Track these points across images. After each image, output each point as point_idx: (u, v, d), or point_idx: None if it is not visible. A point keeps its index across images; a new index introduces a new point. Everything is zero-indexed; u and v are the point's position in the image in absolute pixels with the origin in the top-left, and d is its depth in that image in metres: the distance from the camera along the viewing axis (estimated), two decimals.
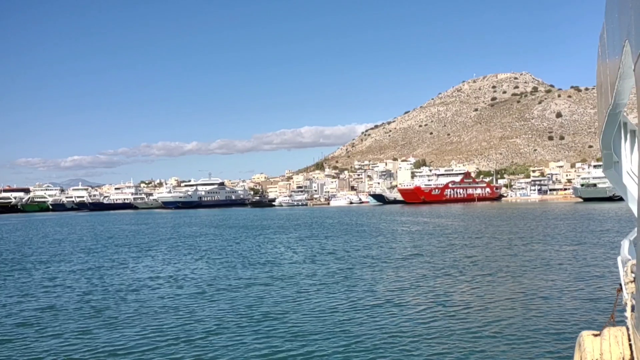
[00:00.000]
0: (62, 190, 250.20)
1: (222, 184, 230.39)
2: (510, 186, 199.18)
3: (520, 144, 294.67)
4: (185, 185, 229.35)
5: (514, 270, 23.23)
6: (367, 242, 37.04)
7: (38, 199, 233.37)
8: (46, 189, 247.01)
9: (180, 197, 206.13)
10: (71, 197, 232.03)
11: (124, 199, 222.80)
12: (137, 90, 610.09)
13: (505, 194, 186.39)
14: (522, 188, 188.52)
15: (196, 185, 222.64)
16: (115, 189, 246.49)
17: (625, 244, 5.89)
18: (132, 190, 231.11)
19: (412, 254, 28.96)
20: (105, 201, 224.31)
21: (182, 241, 43.31)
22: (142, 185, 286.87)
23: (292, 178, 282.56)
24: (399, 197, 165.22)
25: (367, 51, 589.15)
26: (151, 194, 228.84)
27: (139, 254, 34.34)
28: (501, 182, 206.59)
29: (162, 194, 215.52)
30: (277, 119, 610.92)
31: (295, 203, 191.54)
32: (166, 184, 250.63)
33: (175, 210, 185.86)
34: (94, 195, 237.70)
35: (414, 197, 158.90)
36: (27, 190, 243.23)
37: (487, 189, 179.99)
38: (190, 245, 39.42)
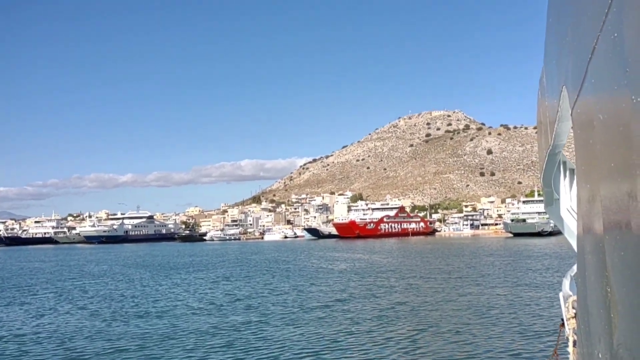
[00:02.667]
0: None
1: (150, 217, 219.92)
2: (444, 221, 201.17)
3: (454, 179, 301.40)
4: (111, 219, 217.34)
5: (452, 312, 20.16)
6: (288, 283, 33.10)
7: None
8: None
9: (105, 231, 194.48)
10: None
11: (44, 233, 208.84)
12: (70, 119, 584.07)
13: (439, 229, 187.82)
14: (455, 223, 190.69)
15: (122, 218, 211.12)
16: (35, 222, 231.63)
17: (566, 280, 6.21)
18: (54, 224, 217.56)
19: (336, 300, 25.30)
20: (23, 235, 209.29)
21: (72, 284, 37.82)
22: (70, 218, 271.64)
23: (227, 212, 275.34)
24: (334, 231, 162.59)
25: (308, 86, 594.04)
26: (74, 228, 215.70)
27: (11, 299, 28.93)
28: (435, 216, 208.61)
29: (85, 227, 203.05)
30: (217, 151, 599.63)
31: (228, 237, 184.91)
32: (90, 217, 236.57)
33: (99, 245, 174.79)
34: (12, 229, 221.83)
35: (348, 232, 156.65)
36: None
37: (422, 224, 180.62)
38: (78, 289, 34.13)
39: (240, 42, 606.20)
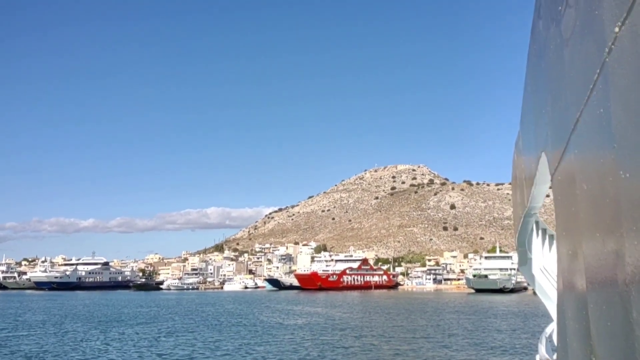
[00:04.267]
0: None
1: (106, 263, 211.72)
2: (407, 274, 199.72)
3: (417, 232, 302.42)
4: (64, 265, 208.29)
5: None
6: (236, 341, 30.53)
7: None
8: None
9: (56, 278, 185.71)
10: None
11: None
12: (31, 161, 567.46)
13: (402, 282, 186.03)
14: (419, 277, 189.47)
15: (76, 264, 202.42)
16: None
17: (541, 344, 6.06)
18: (3, 268, 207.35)
19: None
20: None
21: None
22: (24, 263, 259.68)
23: (187, 260, 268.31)
24: (296, 282, 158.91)
25: (277, 136, 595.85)
26: (25, 273, 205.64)
27: None
28: (398, 269, 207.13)
29: (36, 273, 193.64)
30: (183, 198, 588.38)
31: (186, 287, 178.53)
32: (44, 262, 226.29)
33: (50, 291, 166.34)
34: None
35: (310, 283, 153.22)
36: None
37: (385, 277, 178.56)
38: None
39: (207, 87, 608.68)
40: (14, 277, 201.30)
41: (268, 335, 33.61)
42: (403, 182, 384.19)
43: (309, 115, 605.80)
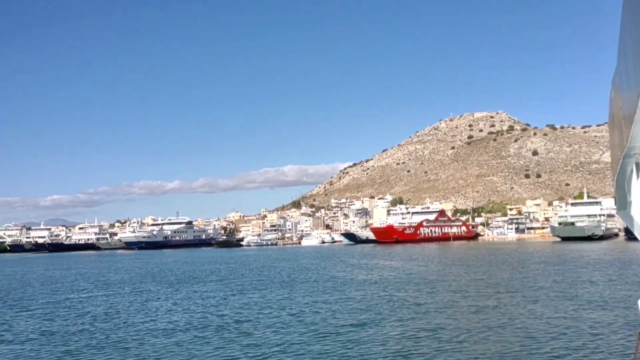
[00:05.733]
0: (27, 229, 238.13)
1: (190, 223, 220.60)
2: (487, 225, 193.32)
3: (497, 182, 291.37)
4: (152, 225, 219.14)
5: (508, 338, 16.04)
6: (309, 297, 29.33)
7: None
8: (6, 229, 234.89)
9: (144, 237, 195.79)
10: (31, 237, 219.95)
11: (87, 240, 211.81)
12: (120, 129, 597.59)
13: (482, 233, 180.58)
14: (500, 227, 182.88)
15: (162, 224, 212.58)
16: (79, 229, 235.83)
17: None
18: (96, 230, 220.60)
19: (357, 322, 21.38)
20: (67, 242, 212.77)
21: (67, 296, 35.14)
22: (117, 224, 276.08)
23: (266, 217, 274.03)
24: (372, 236, 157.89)
25: (351, 90, 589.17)
26: (116, 234, 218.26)
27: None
28: (478, 220, 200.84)
29: (126, 234, 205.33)
30: (261, 157, 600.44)
31: (265, 243, 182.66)
32: (133, 223, 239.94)
33: (138, 250, 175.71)
34: (57, 236, 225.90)
35: (386, 236, 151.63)
36: None
37: (463, 228, 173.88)
38: (69, 301, 31.33)
39: (285, 53, 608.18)
40: (106, 238, 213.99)
41: (339, 291, 32.20)
42: (480, 130, 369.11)
43: (381, 66, 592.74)
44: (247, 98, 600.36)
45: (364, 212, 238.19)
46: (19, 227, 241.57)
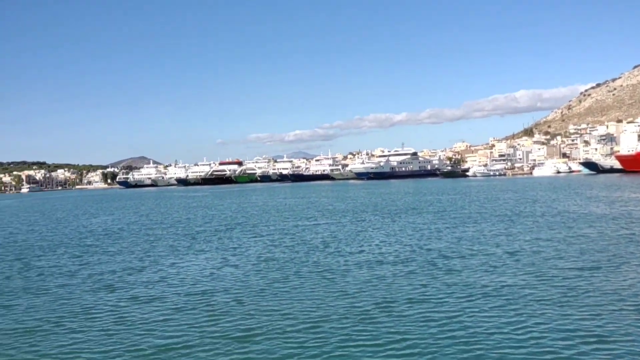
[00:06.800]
0: (273, 162, 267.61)
1: (415, 154, 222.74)
2: None
3: None
4: (379, 156, 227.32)
5: None
6: (519, 237, 26.71)
7: (249, 171, 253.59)
8: (256, 162, 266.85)
9: (372, 168, 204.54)
10: (276, 169, 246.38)
11: (323, 170, 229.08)
12: (350, 64, 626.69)
13: None
14: None
15: (388, 155, 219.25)
16: (316, 160, 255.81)
17: None
18: (330, 162, 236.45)
19: (587, 267, 18.59)
20: (306, 172, 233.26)
21: (295, 224, 37.50)
22: (349, 156, 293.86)
23: (494, 146, 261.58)
24: (617, 165, 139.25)
25: None
26: (347, 165, 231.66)
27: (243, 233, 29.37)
28: None
29: (355, 165, 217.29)
30: (490, 84, 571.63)
31: (492, 173, 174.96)
32: (362, 155, 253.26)
33: (367, 181, 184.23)
34: (297, 167, 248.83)
35: (635, 165, 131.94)
36: (240, 163, 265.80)
37: None
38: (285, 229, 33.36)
39: None
40: (339, 169, 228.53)
41: (568, 228, 28.56)
42: None
43: None
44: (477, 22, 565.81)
45: (609, 139, 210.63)
46: (267, 160, 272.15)
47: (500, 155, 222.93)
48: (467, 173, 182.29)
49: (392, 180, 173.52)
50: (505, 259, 20.07)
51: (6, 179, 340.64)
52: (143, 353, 11.23)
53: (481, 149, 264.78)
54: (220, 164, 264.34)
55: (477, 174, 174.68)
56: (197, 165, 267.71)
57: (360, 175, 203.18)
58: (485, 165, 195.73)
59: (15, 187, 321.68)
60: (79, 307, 15.35)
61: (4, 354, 11.60)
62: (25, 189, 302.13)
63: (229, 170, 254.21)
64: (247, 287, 16.81)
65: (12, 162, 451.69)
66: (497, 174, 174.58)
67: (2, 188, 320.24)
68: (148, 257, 24.55)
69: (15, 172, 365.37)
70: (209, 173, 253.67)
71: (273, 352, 10.99)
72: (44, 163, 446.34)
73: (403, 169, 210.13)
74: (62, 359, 11.23)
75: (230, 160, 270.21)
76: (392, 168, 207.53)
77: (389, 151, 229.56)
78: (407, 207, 48.99)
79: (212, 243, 28.66)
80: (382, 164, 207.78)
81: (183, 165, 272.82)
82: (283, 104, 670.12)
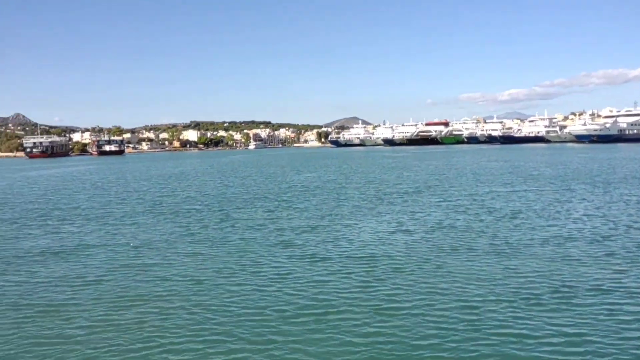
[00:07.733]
0: (483, 122, 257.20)
1: None
2: None
3: None
4: (605, 117, 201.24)
5: None
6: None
7: (455, 132, 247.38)
8: (463, 123, 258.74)
9: (595, 131, 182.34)
10: (484, 130, 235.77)
11: (537, 132, 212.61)
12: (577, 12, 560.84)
13: None
14: None
15: (616, 116, 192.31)
16: (529, 121, 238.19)
17: None
18: (546, 122, 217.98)
19: None
20: (517, 134, 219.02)
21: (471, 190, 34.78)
22: (571, 117, 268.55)
23: None
24: None
25: None
26: (565, 127, 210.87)
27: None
28: None
29: (575, 126, 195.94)
30: None
31: None
32: (587, 116, 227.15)
33: (588, 144, 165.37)
34: (508, 129, 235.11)
35: None
36: (446, 124, 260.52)
37: None
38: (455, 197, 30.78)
39: None
40: (556, 131, 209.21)
41: None
42: None
43: None
44: None
45: None
46: (475, 121, 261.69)
47: None
48: None
49: (620, 144, 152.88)
50: None
51: (237, 136, 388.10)
52: (286, 310, 11.29)
53: None
54: (427, 124, 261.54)
55: None
56: (404, 125, 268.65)
57: (580, 138, 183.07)
58: None
59: (244, 143, 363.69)
60: (249, 260, 16.20)
61: (199, 294, 12.69)
62: (252, 146, 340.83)
63: (435, 131, 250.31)
64: (410, 256, 15.95)
65: (244, 122, 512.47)
66: None
67: (234, 144, 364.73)
68: (330, 215, 25.10)
69: (245, 130, 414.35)
70: (415, 134, 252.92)
71: (411, 329, 10.12)
72: (269, 122, 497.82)
73: (635, 131, 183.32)
74: (230, 303, 11.82)
75: (437, 120, 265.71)
76: (621, 130, 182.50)
77: (618, 111, 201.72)
78: (630, 176, 42.43)
79: (395, 206, 28.20)
80: (608, 125, 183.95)
81: (390, 125, 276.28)
82: (496, 60, 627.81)
